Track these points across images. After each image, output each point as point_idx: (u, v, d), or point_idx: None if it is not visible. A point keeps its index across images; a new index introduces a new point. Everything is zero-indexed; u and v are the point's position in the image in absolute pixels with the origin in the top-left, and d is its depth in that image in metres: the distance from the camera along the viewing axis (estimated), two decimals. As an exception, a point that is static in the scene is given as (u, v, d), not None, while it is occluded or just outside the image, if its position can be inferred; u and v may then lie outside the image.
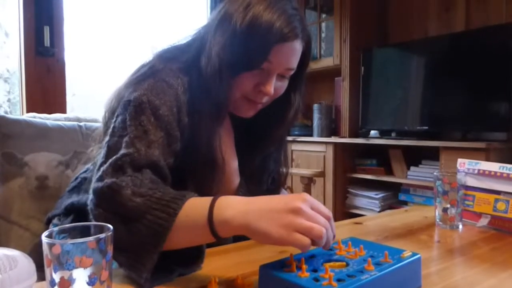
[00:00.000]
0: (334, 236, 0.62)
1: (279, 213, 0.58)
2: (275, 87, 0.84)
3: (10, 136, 1.12)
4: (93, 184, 0.69)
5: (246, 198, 0.64)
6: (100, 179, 0.68)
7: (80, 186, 0.97)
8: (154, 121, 0.74)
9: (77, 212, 0.94)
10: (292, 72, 0.86)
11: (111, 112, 0.81)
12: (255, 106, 0.87)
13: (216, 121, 0.82)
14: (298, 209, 0.57)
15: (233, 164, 0.90)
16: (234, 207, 0.61)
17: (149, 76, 0.79)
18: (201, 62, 0.82)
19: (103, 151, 0.74)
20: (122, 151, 0.70)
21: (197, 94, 0.81)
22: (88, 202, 0.69)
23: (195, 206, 0.64)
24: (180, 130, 0.79)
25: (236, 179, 0.91)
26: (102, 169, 0.69)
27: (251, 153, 0.95)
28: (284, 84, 0.87)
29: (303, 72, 0.91)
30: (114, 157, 0.70)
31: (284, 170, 1.02)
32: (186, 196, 0.65)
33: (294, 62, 0.84)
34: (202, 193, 0.69)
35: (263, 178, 1.00)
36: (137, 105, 0.74)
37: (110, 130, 0.76)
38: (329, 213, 0.61)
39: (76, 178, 1.02)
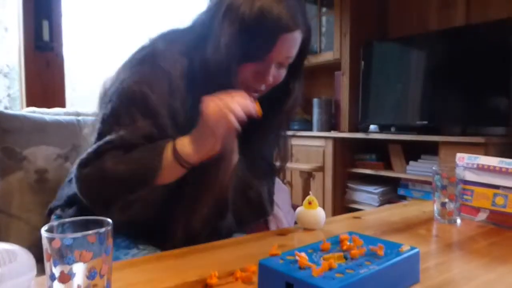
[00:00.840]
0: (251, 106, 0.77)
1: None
2: (273, 76, 0.86)
3: (9, 131, 1.12)
4: (75, 171, 0.79)
5: (193, 138, 0.79)
6: (81, 164, 0.78)
7: None
8: (142, 111, 0.79)
9: (79, 202, 0.94)
10: (290, 61, 0.88)
11: (104, 94, 0.86)
12: (252, 94, 0.88)
13: None
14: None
15: (231, 144, 0.91)
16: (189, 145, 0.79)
17: (146, 61, 0.83)
18: (207, 49, 0.82)
19: (95, 139, 0.81)
20: (107, 138, 0.78)
21: (198, 80, 0.83)
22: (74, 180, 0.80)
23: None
24: (172, 116, 0.82)
25: (234, 158, 0.92)
26: (84, 156, 0.78)
27: (249, 140, 0.95)
28: (282, 72, 0.89)
29: (302, 61, 0.93)
30: (97, 144, 0.78)
31: (281, 160, 1.03)
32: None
33: (293, 51, 0.86)
34: (202, 172, 0.81)
35: (260, 165, 1.00)
36: (129, 93, 0.80)
37: (103, 118, 0.82)
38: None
39: None
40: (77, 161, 0.81)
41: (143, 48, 0.87)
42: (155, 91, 0.80)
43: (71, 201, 0.97)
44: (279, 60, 0.85)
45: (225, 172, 0.86)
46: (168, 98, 0.81)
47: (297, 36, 0.84)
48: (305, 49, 0.90)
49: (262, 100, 0.91)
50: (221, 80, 0.81)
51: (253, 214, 0.98)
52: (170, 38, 0.89)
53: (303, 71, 0.95)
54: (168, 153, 0.79)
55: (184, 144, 0.79)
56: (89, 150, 0.79)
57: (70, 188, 0.99)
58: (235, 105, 0.75)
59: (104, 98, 0.85)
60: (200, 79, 0.84)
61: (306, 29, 0.87)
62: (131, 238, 0.89)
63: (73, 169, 1.02)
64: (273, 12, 0.78)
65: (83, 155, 0.80)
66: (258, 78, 0.85)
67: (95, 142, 0.80)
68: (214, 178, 0.85)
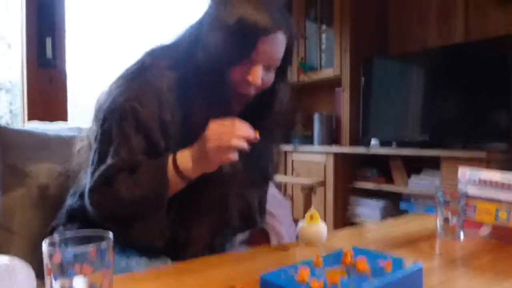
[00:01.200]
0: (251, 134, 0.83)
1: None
2: (262, 79, 0.89)
3: (12, 147, 1.12)
4: (87, 197, 0.84)
5: (193, 156, 0.85)
6: (92, 190, 0.83)
7: (81, 190, 0.98)
8: (135, 125, 0.85)
9: (81, 217, 0.95)
10: (277, 63, 0.91)
11: (99, 110, 0.91)
12: (242, 99, 0.92)
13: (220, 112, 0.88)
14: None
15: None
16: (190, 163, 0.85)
17: (135, 77, 0.89)
18: (198, 57, 0.87)
19: (93, 157, 0.87)
20: (109, 161, 0.83)
21: (193, 89, 0.88)
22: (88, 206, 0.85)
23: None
24: (162, 128, 0.87)
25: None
26: (90, 185, 0.83)
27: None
28: (271, 76, 0.92)
29: (287, 65, 0.96)
30: (102, 169, 0.82)
31: (272, 170, 1.06)
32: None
33: (278, 53, 0.90)
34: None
35: (252, 174, 1.01)
36: (121, 112, 0.85)
37: (99, 136, 0.87)
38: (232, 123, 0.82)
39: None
40: (87, 186, 0.85)
41: (133, 65, 0.93)
42: (144, 106, 0.85)
43: (72, 217, 0.98)
44: (265, 62, 0.88)
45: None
46: (158, 111, 0.86)
47: (279, 37, 0.88)
48: (288, 53, 0.93)
49: (252, 106, 0.94)
50: (216, 84, 0.86)
51: (242, 224, 1.01)
52: (157, 54, 0.94)
53: (287, 74, 0.99)
54: (170, 168, 0.84)
55: (184, 161, 0.85)
56: (96, 175, 0.83)
57: (70, 205, 0.99)
58: (235, 141, 0.81)
59: (99, 114, 0.90)
60: (195, 87, 0.88)
61: (289, 33, 0.90)
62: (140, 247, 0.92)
63: (74, 187, 1.03)
64: (250, 17, 0.83)
65: (91, 179, 0.84)
66: (246, 80, 0.88)
67: (97, 163, 0.85)
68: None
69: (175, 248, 0.91)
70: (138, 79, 0.88)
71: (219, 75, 0.86)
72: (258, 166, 1.01)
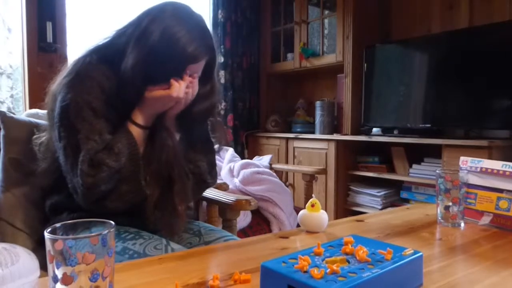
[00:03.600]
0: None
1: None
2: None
3: (17, 141, 1.11)
4: (81, 186, 0.89)
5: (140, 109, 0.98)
6: (83, 176, 0.89)
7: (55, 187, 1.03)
8: (92, 113, 0.93)
9: (67, 209, 1.00)
10: (197, 77, 1.00)
11: (52, 110, 0.98)
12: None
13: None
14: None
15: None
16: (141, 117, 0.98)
17: (74, 76, 0.96)
18: (120, 66, 0.95)
19: (65, 153, 0.93)
20: (85, 147, 0.90)
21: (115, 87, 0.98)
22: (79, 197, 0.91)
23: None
24: (112, 109, 0.97)
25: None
26: (79, 169, 0.89)
27: (185, 122, 1.05)
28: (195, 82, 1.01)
29: (212, 74, 1.07)
30: (82, 157, 0.89)
31: (218, 141, 1.18)
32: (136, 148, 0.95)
33: (199, 71, 1.01)
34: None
35: (198, 142, 1.11)
36: (75, 105, 0.93)
37: (63, 133, 0.93)
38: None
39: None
40: (76, 179, 0.90)
41: (67, 69, 1.00)
42: (93, 96, 0.94)
43: (56, 211, 1.02)
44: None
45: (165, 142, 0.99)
46: (104, 97, 0.95)
47: (201, 62, 0.99)
48: (212, 62, 1.03)
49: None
50: (130, 97, 0.96)
51: (196, 186, 1.08)
52: (88, 53, 1.01)
53: (214, 79, 1.09)
54: (132, 128, 0.96)
55: (138, 116, 0.98)
56: (80, 162, 0.90)
57: (50, 204, 1.04)
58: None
59: (54, 119, 0.96)
60: (116, 87, 0.97)
61: (211, 52, 1.00)
62: (132, 228, 0.99)
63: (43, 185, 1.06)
64: (179, 47, 0.92)
65: (74, 169, 0.90)
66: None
67: (71, 154, 0.91)
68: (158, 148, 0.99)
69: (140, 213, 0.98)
70: (78, 77, 0.96)
71: (135, 90, 0.95)
72: (202, 135, 1.12)
